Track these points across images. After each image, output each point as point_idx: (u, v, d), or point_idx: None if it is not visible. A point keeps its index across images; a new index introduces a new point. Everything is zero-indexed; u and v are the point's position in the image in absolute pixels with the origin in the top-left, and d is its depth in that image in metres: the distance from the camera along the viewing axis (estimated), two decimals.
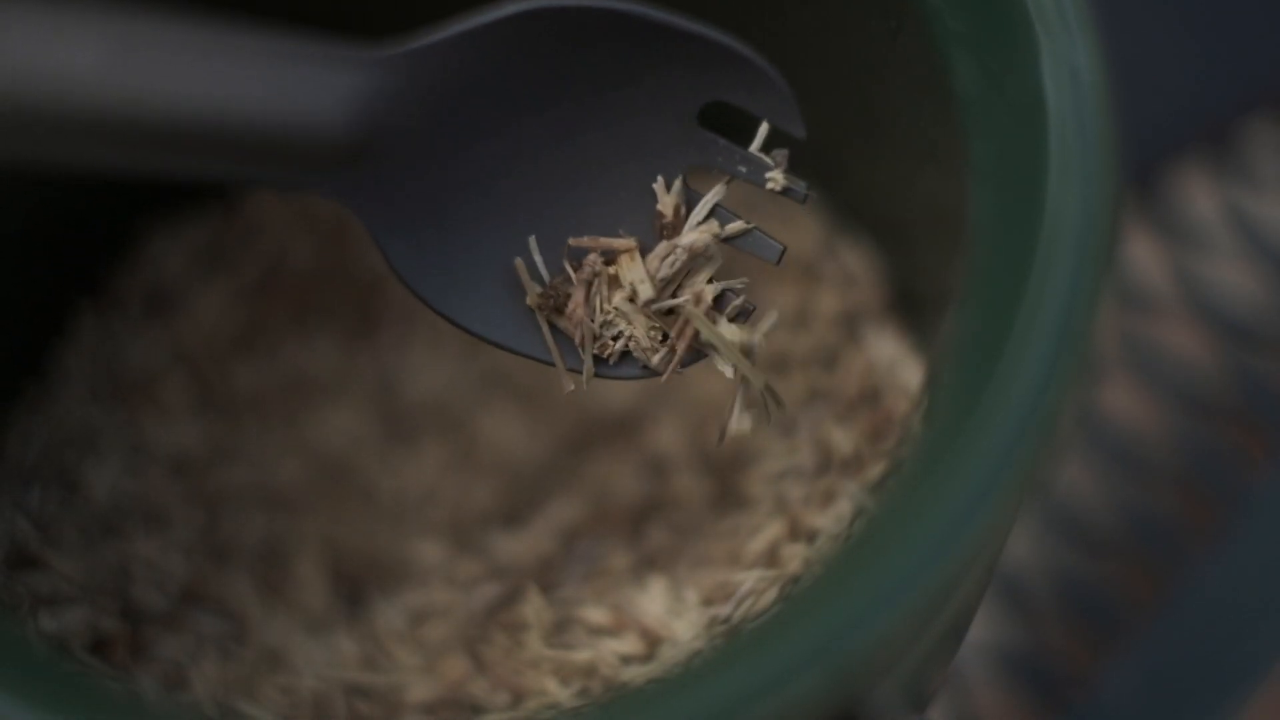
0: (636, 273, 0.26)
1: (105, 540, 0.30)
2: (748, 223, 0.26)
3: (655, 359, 0.27)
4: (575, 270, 0.26)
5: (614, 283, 0.27)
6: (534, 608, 0.29)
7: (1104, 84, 0.24)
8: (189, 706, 0.28)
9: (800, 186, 0.26)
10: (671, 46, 0.26)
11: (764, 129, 0.26)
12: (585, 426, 0.33)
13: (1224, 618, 0.37)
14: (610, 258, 0.26)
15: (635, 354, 0.27)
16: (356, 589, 0.31)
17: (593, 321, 0.27)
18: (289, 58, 0.24)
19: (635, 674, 0.28)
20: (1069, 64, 0.24)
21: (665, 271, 0.26)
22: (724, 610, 0.28)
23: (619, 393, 0.33)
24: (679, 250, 0.26)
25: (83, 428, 0.31)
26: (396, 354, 0.33)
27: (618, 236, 0.27)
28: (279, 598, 0.30)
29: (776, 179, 0.26)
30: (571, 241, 0.27)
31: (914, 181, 0.29)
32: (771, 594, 0.28)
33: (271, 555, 0.31)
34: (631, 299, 0.26)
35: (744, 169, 0.26)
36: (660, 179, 0.26)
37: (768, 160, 0.26)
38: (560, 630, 0.29)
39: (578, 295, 0.26)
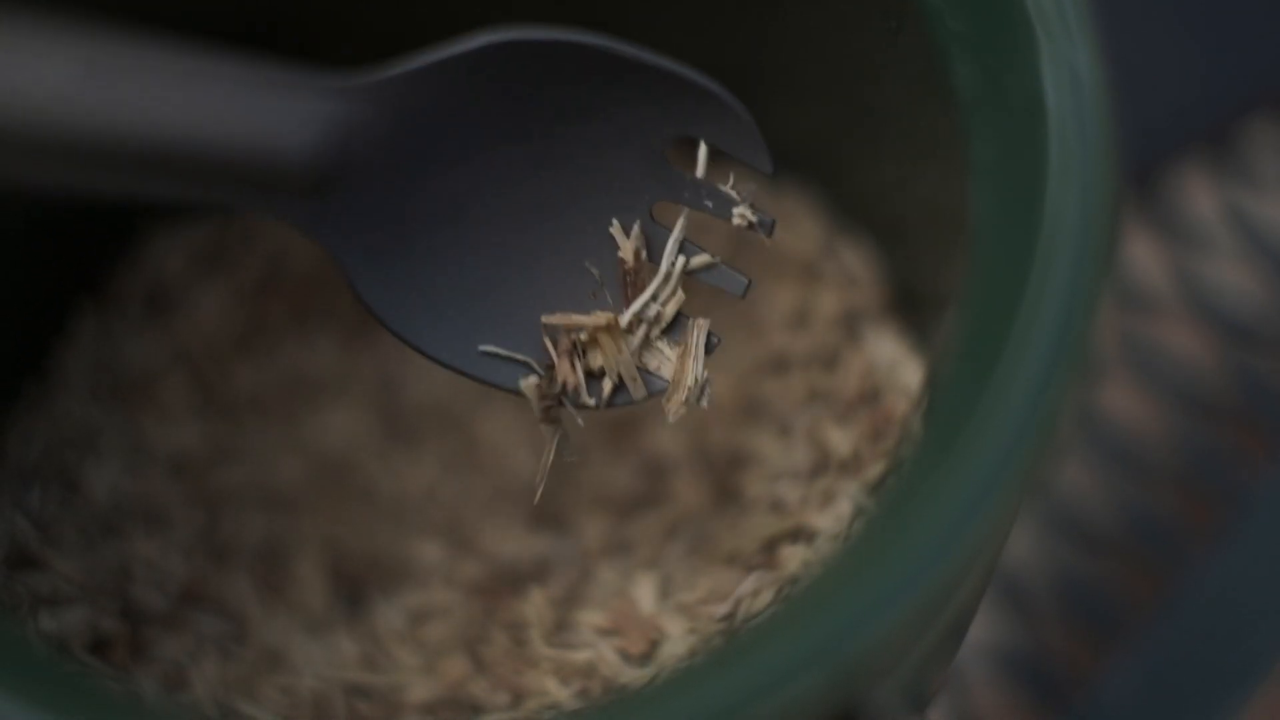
0: (624, 365, 0.26)
1: (105, 540, 0.30)
2: (712, 257, 0.27)
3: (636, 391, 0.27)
4: (553, 344, 0.27)
5: (592, 345, 0.27)
6: (534, 608, 0.29)
7: (1104, 84, 0.24)
8: (189, 706, 0.28)
9: (768, 220, 0.26)
10: (641, 81, 0.26)
11: (703, 151, 0.26)
12: (584, 427, 0.33)
13: (1224, 618, 0.37)
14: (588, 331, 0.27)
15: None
16: (356, 589, 0.31)
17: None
18: (258, 84, 0.24)
19: (635, 674, 0.28)
20: (1069, 64, 0.24)
21: (639, 338, 0.27)
22: (723, 610, 0.28)
23: None
24: (648, 325, 0.27)
25: (83, 428, 0.31)
26: (396, 354, 0.33)
27: (587, 273, 0.27)
28: (279, 598, 0.30)
29: (744, 214, 0.26)
30: (544, 319, 0.27)
31: (914, 181, 0.29)
32: (770, 594, 0.28)
33: (271, 555, 0.31)
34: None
35: (710, 204, 0.26)
36: (617, 223, 0.26)
37: (734, 195, 0.26)
38: (560, 630, 0.29)
39: (563, 366, 0.27)
